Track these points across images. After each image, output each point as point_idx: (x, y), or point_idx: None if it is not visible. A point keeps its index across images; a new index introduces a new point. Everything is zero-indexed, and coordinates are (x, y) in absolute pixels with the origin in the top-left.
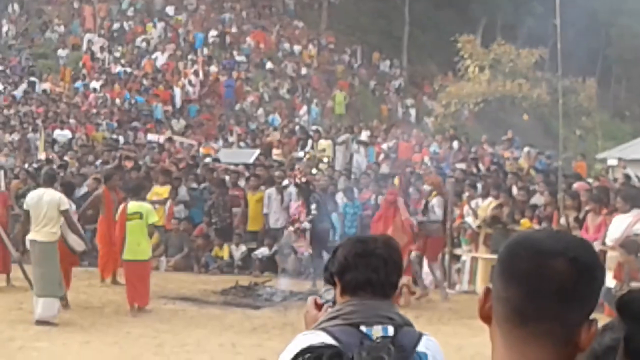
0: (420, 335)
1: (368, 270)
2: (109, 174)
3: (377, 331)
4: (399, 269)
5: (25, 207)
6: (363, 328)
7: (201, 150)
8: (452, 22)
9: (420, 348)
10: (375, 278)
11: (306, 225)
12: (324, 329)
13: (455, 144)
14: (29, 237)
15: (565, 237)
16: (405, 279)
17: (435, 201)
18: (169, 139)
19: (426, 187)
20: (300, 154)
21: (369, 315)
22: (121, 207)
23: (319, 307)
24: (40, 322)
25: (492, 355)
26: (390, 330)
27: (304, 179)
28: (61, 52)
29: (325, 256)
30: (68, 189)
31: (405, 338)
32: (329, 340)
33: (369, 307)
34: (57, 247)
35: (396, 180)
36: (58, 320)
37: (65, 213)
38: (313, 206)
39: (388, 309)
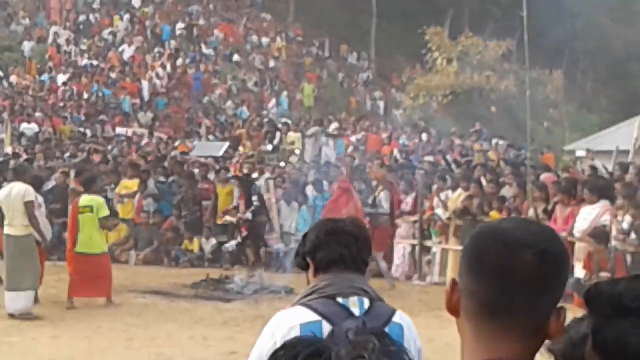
0: (394, 310)
1: (340, 247)
2: (82, 169)
3: (353, 302)
4: (369, 246)
5: None
6: (339, 299)
7: (176, 145)
8: (419, 14)
9: (396, 319)
10: (347, 254)
11: (248, 216)
12: (302, 304)
13: (424, 136)
14: (4, 231)
15: (532, 228)
16: None
17: (382, 195)
18: (150, 134)
19: (373, 183)
20: (269, 146)
21: (344, 287)
22: (74, 201)
23: None
24: (14, 316)
25: (462, 347)
26: (366, 303)
27: (245, 171)
28: (26, 45)
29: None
30: (36, 183)
31: (380, 310)
32: (309, 314)
33: (344, 279)
34: (32, 240)
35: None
36: (31, 313)
37: (27, 204)
38: (254, 198)
39: (361, 282)
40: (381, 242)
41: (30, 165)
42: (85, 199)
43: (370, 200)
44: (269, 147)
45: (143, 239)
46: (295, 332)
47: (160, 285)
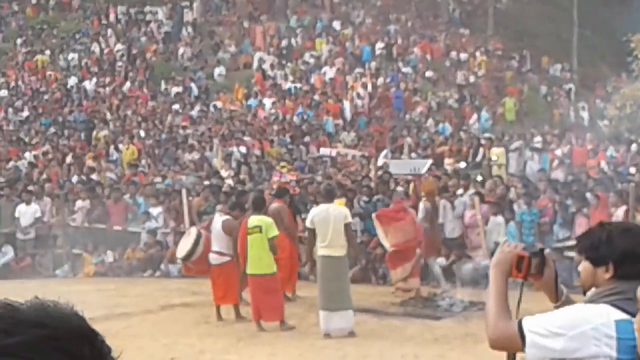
0: None
1: None
2: (282, 189)
3: None
4: None
5: (309, 224)
6: None
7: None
8: (623, 21)
9: None
10: None
11: None
12: (609, 303)
13: (634, 146)
14: (320, 253)
15: None
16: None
17: (421, 205)
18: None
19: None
20: (462, 164)
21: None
22: (242, 221)
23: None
24: (330, 336)
25: None
26: None
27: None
28: (217, 71)
29: None
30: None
31: None
32: (618, 312)
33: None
34: (346, 261)
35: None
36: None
37: (348, 226)
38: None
39: None
40: (428, 249)
41: (242, 187)
42: (254, 220)
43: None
44: (462, 164)
45: (351, 258)
46: (611, 326)
47: (369, 304)
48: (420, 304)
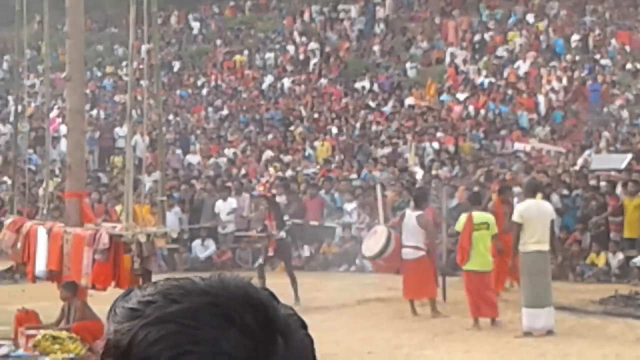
0: None
1: None
2: (505, 186)
3: None
4: None
5: (518, 219)
6: None
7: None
8: None
9: None
10: None
11: (282, 234)
12: None
13: None
14: (530, 248)
15: None
16: None
17: None
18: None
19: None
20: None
21: None
22: (466, 216)
23: None
24: (532, 334)
25: None
26: None
27: (273, 192)
28: (413, 67)
29: None
30: (421, 198)
31: None
32: None
33: None
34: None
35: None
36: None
37: (552, 223)
38: (286, 217)
39: None
40: None
41: (437, 183)
42: (480, 216)
43: None
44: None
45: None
46: None
47: (567, 301)
48: (621, 303)
